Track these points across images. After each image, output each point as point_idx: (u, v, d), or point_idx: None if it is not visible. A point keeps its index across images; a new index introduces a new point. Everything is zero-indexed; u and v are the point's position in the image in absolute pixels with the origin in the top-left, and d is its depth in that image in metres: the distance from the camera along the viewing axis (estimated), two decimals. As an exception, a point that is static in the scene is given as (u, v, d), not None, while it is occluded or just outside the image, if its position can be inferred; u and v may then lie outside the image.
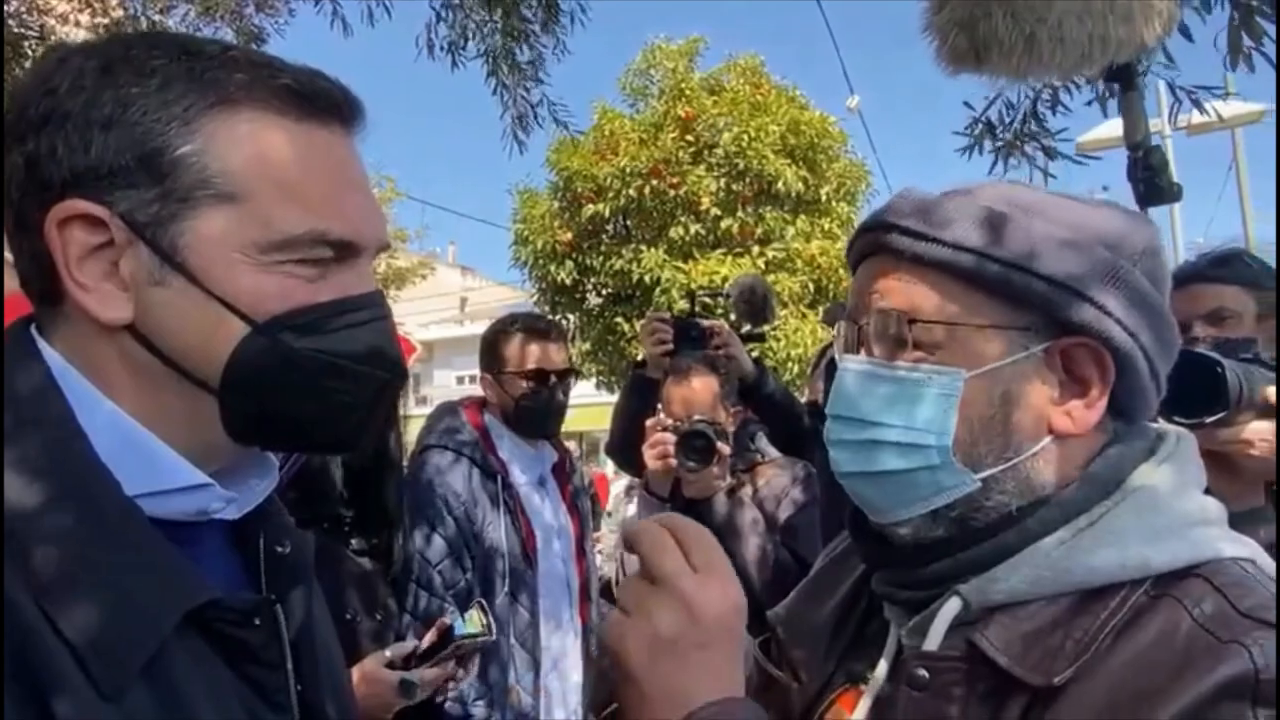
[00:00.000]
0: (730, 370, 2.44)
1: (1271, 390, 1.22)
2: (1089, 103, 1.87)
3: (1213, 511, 0.70)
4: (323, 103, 0.63)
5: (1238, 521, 1.29)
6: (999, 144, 2.11)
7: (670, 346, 2.50)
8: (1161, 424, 0.77)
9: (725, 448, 2.15)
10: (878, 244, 0.72)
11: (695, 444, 2.17)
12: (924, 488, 0.69)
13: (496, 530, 2.14)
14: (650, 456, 2.25)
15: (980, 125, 2.15)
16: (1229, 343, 1.31)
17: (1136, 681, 0.59)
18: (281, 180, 0.60)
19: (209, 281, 0.59)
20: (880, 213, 0.73)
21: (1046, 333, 0.68)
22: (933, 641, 0.68)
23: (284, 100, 0.61)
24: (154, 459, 0.60)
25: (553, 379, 2.23)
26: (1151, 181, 1.62)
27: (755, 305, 2.86)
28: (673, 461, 2.17)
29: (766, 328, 3.12)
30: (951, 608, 0.68)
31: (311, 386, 0.62)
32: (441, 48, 3.42)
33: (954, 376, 0.68)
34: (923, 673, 0.68)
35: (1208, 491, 1.15)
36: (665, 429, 2.24)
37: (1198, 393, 1.21)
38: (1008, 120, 2.13)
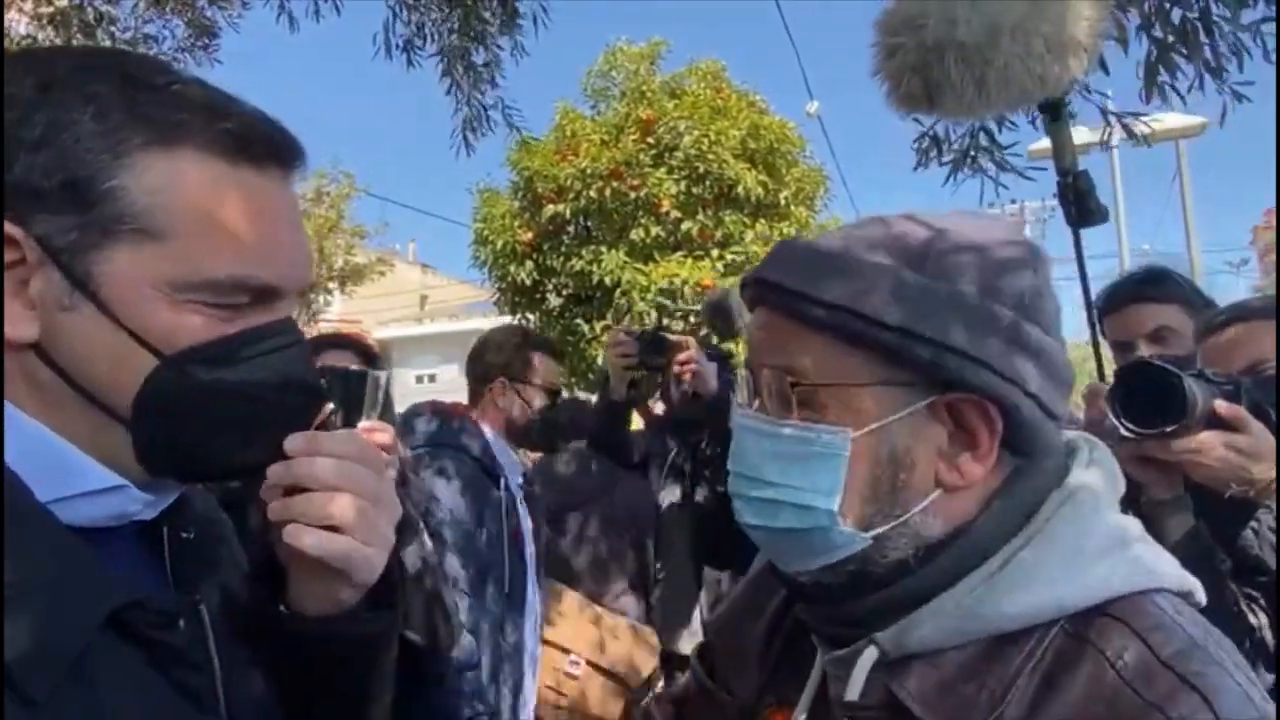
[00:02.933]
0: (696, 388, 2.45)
1: (1220, 403, 1.29)
2: (1031, 120, 1.96)
3: (1130, 532, 0.69)
4: (261, 148, 0.63)
5: (1163, 510, 1.38)
6: (951, 157, 2.17)
7: (635, 361, 2.50)
8: (1072, 435, 0.77)
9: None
10: (762, 299, 0.73)
11: (656, 347, 2.41)
12: (818, 545, 0.70)
13: (497, 534, 2.21)
14: (612, 356, 2.47)
15: (928, 138, 2.21)
16: (1179, 360, 1.38)
17: None
18: (209, 223, 0.60)
19: (120, 313, 0.59)
20: (762, 266, 0.73)
21: (929, 388, 0.68)
22: (854, 690, 0.68)
23: (222, 144, 0.61)
24: (63, 463, 0.60)
25: (559, 398, 2.50)
26: (1082, 205, 1.69)
27: (727, 317, 2.89)
28: (634, 360, 2.41)
29: (734, 343, 3.05)
30: (869, 656, 0.68)
31: (222, 417, 0.62)
32: (398, 45, 3.39)
33: (841, 436, 0.67)
34: None
35: (1133, 484, 1.11)
36: (629, 333, 2.51)
37: (1155, 404, 1.27)
38: (955, 134, 2.20)
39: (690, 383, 2.47)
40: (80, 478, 0.60)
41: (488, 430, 2.33)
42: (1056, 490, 0.70)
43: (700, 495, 2.70)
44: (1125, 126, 2.01)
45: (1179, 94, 1.91)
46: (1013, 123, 2.26)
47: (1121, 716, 0.58)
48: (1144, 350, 1.82)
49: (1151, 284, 1.89)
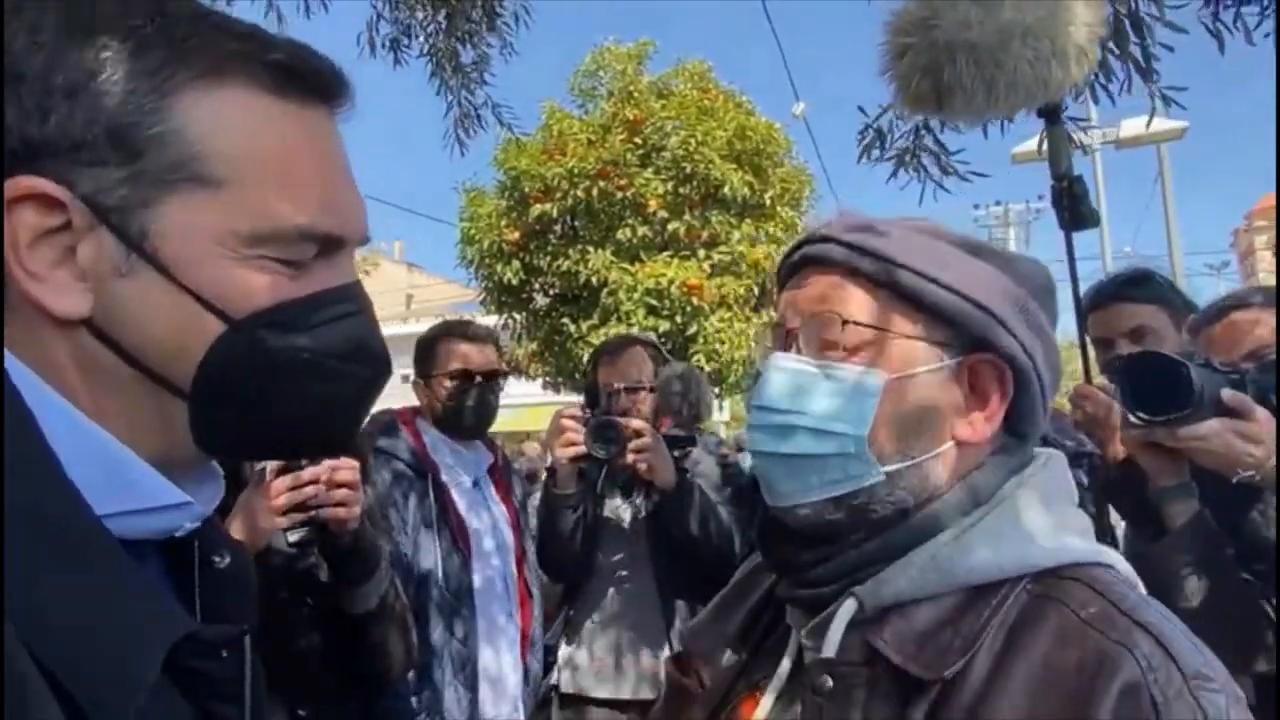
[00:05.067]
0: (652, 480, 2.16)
1: (1225, 391, 1.32)
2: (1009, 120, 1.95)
3: (1082, 523, 0.77)
4: (316, 82, 0.57)
5: (1168, 497, 1.41)
6: (894, 153, 2.16)
7: (582, 450, 2.18)
8: (1039, 449, 0.83)
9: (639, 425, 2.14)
10: (817, 255, 0.78)
11: (606, 434, 2.15)
12: (832, 472, 0.74)
13: (428, 533, 2.14)
14: (557, 446, 2.20)
15: (871, 131, 2.20)
16: (1181, 353, 1.40)
17: (1051, 683, 0.64)
18: (270, 167, 0.54)
19: (182, 274, 0.52)
20: (824, 227, 0.78)
21: (960, 348, 0.75)
22: (831, 644, 0.72)
23: (275, 77, 0.55)
24: (130, 476, 0.54)
25: (478, 379, 2.27)
26: (1075, 209, 1.71)
27: (690, 400, 2.46)
28: (582, 450, 2.15)
29: (699, 428, 2.61)
30: (847, 609, 0.72)
31: (293, 388, 0.56)
32: (384, 45, 3.38)
33: (877, 378, 0.73)
34: (826, 679, 0.72)
35: (1140, 472, 1.24)
36: (574, 418, 2.21)
37: (1162, 392, 1.31)
38: (899, 130, 2.19)
39: (646, 474, 2.18)
40: (146, 493, 0.54)
41: (426, 430, 2.29)
42: (1020, 474, 0.78)
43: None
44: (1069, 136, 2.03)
45: (1110, 95, 1.92)
46: (956, 127, 2.26)
47: (1088, 653, 0.64)
48: (1124, 348, 1.85)
49: (1133, 284, 1.93)
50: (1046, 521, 0.73)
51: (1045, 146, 1.77)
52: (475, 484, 2.33)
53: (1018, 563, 0.70)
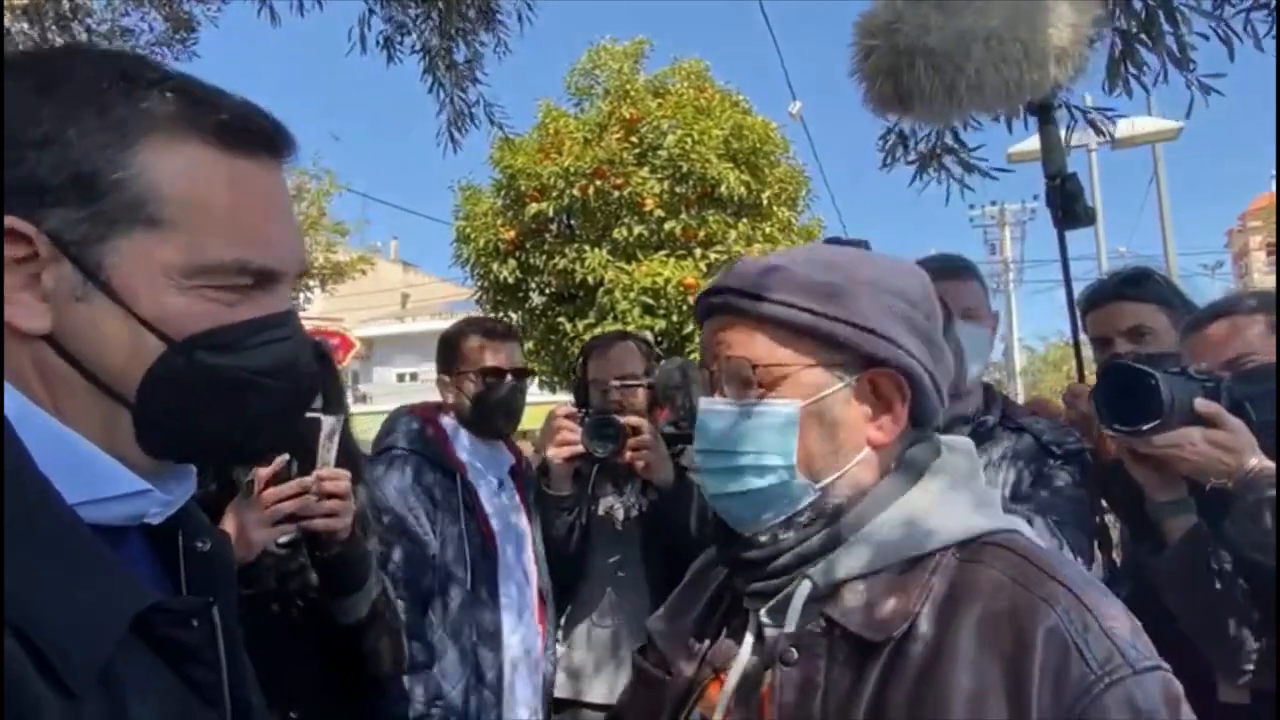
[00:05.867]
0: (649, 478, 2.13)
1: (1199, 401, 1.34)
2: (995, 118, 1.94)
3: (990, 496, 0.90)
4: (255, 137, 0.67)
5: (1165, 511, 1.42)
6: (916, 157, 2.16)
7: (578, 449, 2.12)
8: (941, 436, 0.94)
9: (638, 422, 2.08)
10: (723, 305, 0.88)
11: (605, 431, 2.10)
12: (777, 501, 0.86)
13: (455, 530, 2.12)
14: (552, 445, 2.14)
15: (894, 136, 2.20)
16: (1156, 358, 1.41)
17: (992, 628, 0.75)
18: (211, 210, 0.63)
19: (131, 301, 0.61)
20: (723, 279, 0.89)
21: (858, 366, 0.86)
22: (792, 620, 0.83)
23: (220, 135, 0.64)
24: (94, 468, 0.63)
25: (508, 378, 2.23)
26: (1069, 207, 1.71)
27: (690, 394, 2.39)
28: (578, 449, 2.10)
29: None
30: (804, 589, 0.83)
31: (225, 401, 0.65)
32: (377, 42, 3.36)
33: (791, 407, 0.85)
34: (792, 650, 0.83)
35: (1134, 488, 1.37)
36: (569, 416, 2.16)
37: (1133, 403, 1.33)
38: (921, 133, 2.19)
39: (643, 472, 2.15)
40: (109, 482, 0.63)
41: (452, 428, 2.25)
42: (940, 457, 0.89)
43: None
44: (1092, 123, 2.02)
45: (1144, 87, 1.90)
46: (978, 123, 2.26)
47: (1019, 609, 0.75)
48: (1121, 346, 1.85)
49: (1131, 284, 1.92)
50: (962, 498, 0.86)
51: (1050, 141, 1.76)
52: (500, 484, 2.30)
53: (943, 536, 0.82)
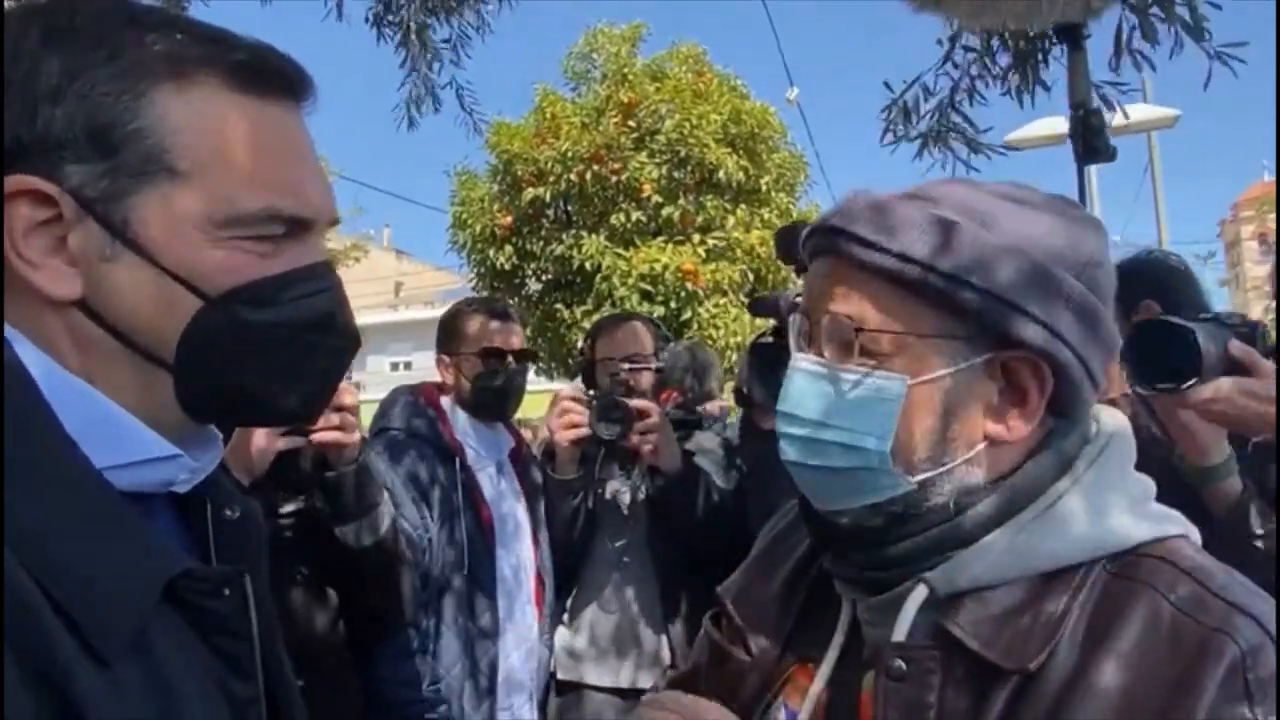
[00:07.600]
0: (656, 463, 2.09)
1: (1234, 344, 1.25)
2: (1004, 93, 1.89)
3: (1147, 489, 0.74)
4: (275, 79, 0.64)
5: (1209, 477, 1.33)
6: (920, 134, 2.10)
7: (584, 431, 2.08)
8: (1095, 410, 0.79)
9: (646, 406, 2.06)
10: (829, 246, 0.74)
11: (612, 414, 2.06)
12: (864, 485, 0.72)
13: (451, 514, 2.07)
14: (558, 428, 2.10)
15: (896, 108, 2.14)
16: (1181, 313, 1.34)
17: (1147, 676, 0.62)
18: (236, 156, 0.60)
19: (161, 257, 0.59)
20: (832, 215, 0.74)
21: (986, 344, 0.70)
22: (901, 629, 0.70)
23: (238, 76, 0.61)
24: (123, 432, 0.60)
25: (509, 359, 2.18)
26: (1090, 142, 1.66)
27: (699, 376, 2.35)
28: (585, 431, 2.06)
29: (708, 407, 2.49)
30: (919, 595, 0.70)
31: (266, 358, 0.63)
32: (366, 20, 3.28)
33: (898, 384, 0.70)
34: (900, 663, 0.70)
35: (1175, 455, 1.21)
36: (576, 398, 2.12)
37: (1170, 360, 1.24)
38: (925, 108, 2.13)
39: (650, 457, 2.10)
40: (138, 446, 0.61)
41: (452, 409, 2.20)
42: (1090, 445, 0.74)
43: None
44: (1104, 98, 1.97)
45: (1150, 63, 1.85)
46: (983, 97, 2.19)
47: (1184, 643, 0.62)
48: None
49: (1126, 269, 1.88)
50: (1116, 497, 0.71)
51: (1047, 132, 1.71)
52: (499, 468, 2.25)
53: (1095, 545, 0.69)
